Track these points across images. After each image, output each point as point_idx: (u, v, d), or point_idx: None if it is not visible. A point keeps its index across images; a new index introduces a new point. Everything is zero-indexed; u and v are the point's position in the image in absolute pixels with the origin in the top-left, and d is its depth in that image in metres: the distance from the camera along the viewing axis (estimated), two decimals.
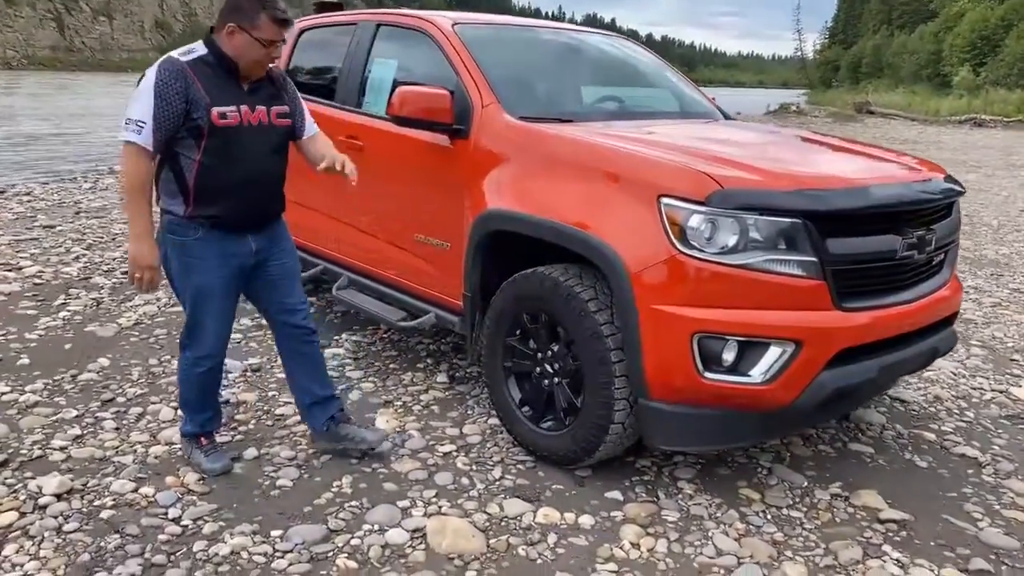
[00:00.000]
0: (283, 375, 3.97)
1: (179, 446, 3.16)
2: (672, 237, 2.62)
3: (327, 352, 4.35)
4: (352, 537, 2.63)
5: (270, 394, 3.79)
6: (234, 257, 2.80)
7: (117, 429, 3.37)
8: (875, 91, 53.06)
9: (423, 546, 2.59)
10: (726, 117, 4.27)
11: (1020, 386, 4.09)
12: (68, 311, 4.94)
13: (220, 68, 2.64)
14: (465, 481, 3.02)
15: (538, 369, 3.14)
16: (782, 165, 2.93)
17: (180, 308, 5.06)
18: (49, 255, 6.42)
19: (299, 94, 3.01)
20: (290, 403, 3.65)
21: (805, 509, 2.88)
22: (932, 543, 2.69)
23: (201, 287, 2.79)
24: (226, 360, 3.45)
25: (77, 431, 3.32)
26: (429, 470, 3.09)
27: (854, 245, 2.69)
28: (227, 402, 3.64)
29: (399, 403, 3.73)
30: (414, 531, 2.67)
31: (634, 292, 2.66)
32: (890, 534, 2.74)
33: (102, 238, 7.19)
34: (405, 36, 4.02)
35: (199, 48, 2.66)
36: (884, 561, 2.57)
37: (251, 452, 3.19)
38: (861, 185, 2.79)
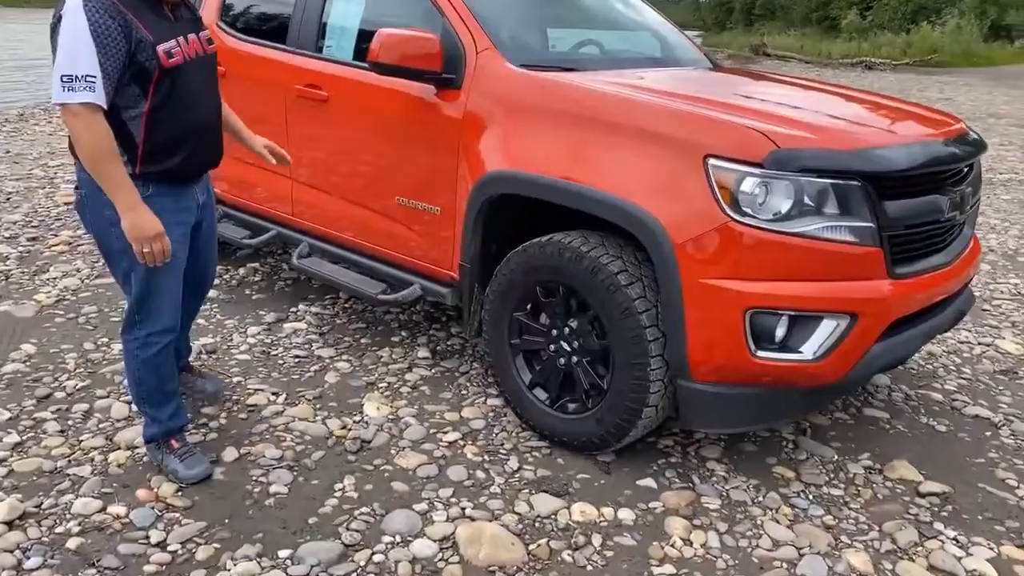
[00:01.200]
0: (243, 356, 3.58)
1: (144, 451, 2.74)
2: (722, 202, 2.36)
3: (286, 327, 3.94)
4: (373, 552, 2.31)
5: (234, 379, 3.36)
6: (187, 211, 2.49)
7: (63, 432, 2.90)
8: (768, 34, 54.24)
9: (456, 558, 2.30)
10: (713, 64, 4.01)
11: (1003, 338, 4.10)
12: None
13: None
14: (481, 475, 2.73)
15: (552, 347, 2.86)
16: (833, 122, 2.69)
17: (104, 280, 4.59)
18: None
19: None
20: (262, 390, 3.26)
21: (843, 486, 2.74)
22: (979, 516, 2.60)
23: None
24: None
25: (15, 438, 2.83)
26: (438, 464, 2.79)
27: (909, 207, 2.50)
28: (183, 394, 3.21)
29: (383, 384, 3.38)
30: (442, 540, 2.37)
31: (679, 265, 2.40)
32: (935, 509, 2.63)
33: None
34: None
35: None
36: (942, 541, 2.45)
37: (231, 453, 2.80)
38: (915, 142, 2.60)
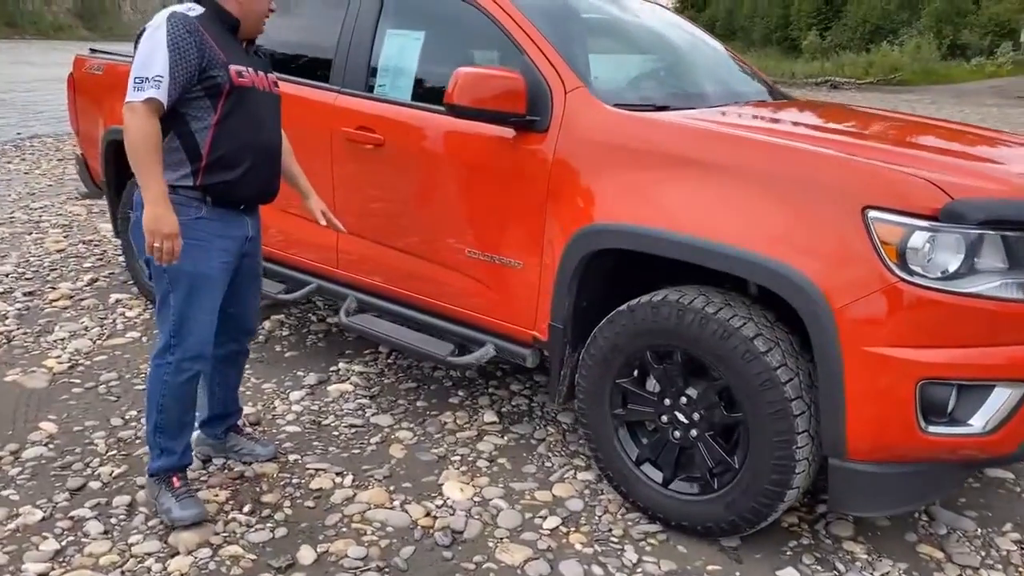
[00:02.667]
0: (293, 428, 3.22)
1: (206, 558, 2.37)
2: (887, 260, 2.08)
3: (332, 390, 3.59)
4: None
5: (291, 458, 3.00)
6: (234, 241, 2.55)
7: (107, 534, 2.51)
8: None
9: None
10: (783, 95, 3.77)
11: None
12: None
13: (223, 28, 2.44)
14: (599, 572, 2.41)
15: (664, 418, 2.56)
16: (992, 167, 2.45)
17: (118, 340, 4.17)
18: None
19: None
20: (323, 470, 2.91)
21: (1000, 566, 2.47)
22: None
23: (198, 273, 2.46)
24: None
25: (53, 544, 2.44)
26: (546, 559, 2.45)
27: None
28: (242, 476, 2.85)
29: (456, 458, 3.04)
30: None
31: (838, 331, 2.11)
32: None
33: None
34: (430, 2, 3.24)
35: (196, 7, 2.42)
36: None
37: (307, 553, 2.44)
38: None
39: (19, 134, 13.56)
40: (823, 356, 2.15)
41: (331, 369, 3.83)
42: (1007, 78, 33.45)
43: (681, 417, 2.51)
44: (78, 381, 3.62)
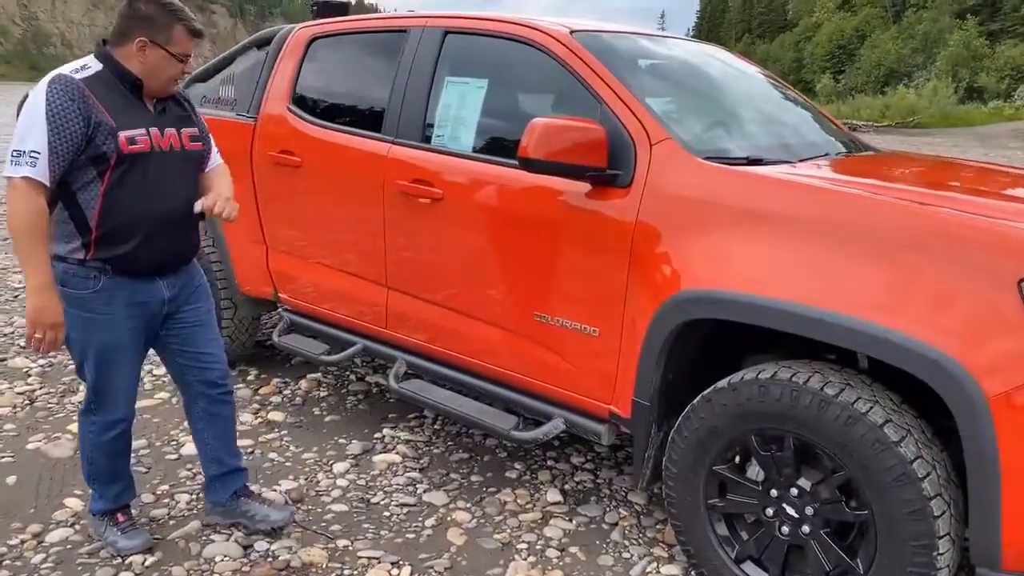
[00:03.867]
0: (339, 507, 2.94)
1: None
2: None
3: (378, 460, 3.31)
4: None
5: (340, 544, 2.71)
6: (144, 307, 2.42)
7: None
8: None
9: None
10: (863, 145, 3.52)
11: None
12: None
13: (121, 87, 2.29)
14: None
15: (770, 511, 2.26)
16: None
17: (147, 402, 3.90)
18: None
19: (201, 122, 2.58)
20: (377, 559, 2.63)
21: None
22: None
23: (107, 345, 2.37)
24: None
25: None
26: None
27: None
28: (288, 565, 2.56)
29: (522, 546, 2.75)
30: None
31: (994, 423, 1.83)
32: None
33: (1, 294, 5.72)
34: (494, 48, 3.03)
35: (93, 64, 2.28)
36: None
37: None
38: None
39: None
40: (974, 449, 1.87)
41: (375, 436, 3.55)
42: None
43: (791, 511, 2.22)
44: None
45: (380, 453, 3.39)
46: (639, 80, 2.73)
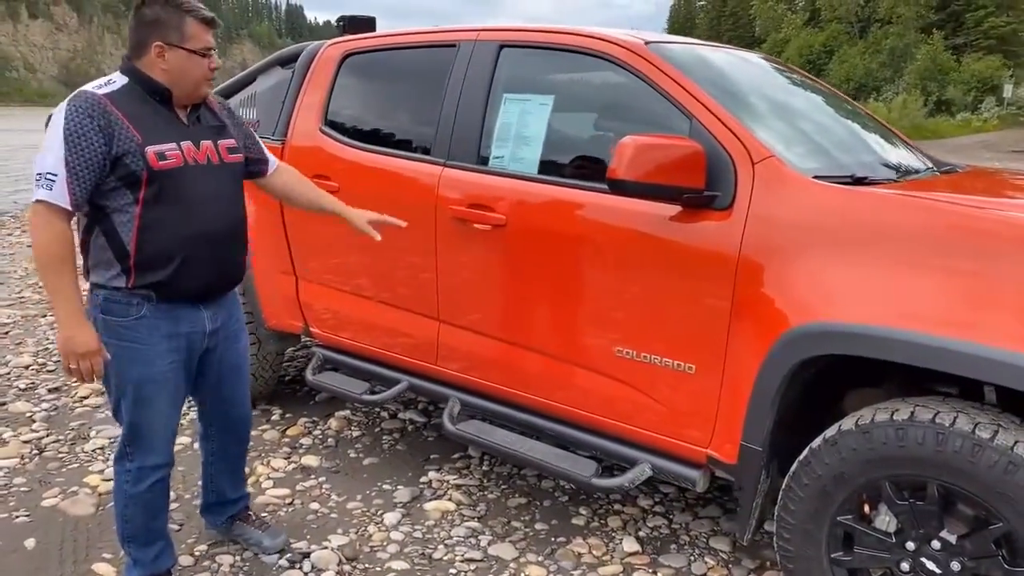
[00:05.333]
0: (400, 564, 2.67)
1: None
2: None
3: (430, 509, 3.05)
4: None
5: None
6: (185, 338, 2.28)
7: None
8: None
9: None
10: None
11: None
12: None
13: (150, 99, 2.15)
14: None
15: (905, 566, 2.04)
16: None
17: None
18: None
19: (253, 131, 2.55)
20: None
21: None
22: None
23: (145, 379, 2.22)
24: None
25: None
26: None
27: None
28: None
29: None
30: None
31: None
32: None
33: None
34: (558, 62, 2.82)
35: (118, 78, 2.15)
36: None
37: None
38: None
39: (16, 203, 13.08)
40: None
41: (421, 481, 3.29)
42: (994, 132, 33.96)
43: (933, 567, 2.00)
44: None
45: (431, 500, 3.12)
46: (726, 94, 2.53)
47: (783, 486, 2.21)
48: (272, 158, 2.61)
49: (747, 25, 73.16)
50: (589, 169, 2.63)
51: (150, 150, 2.09)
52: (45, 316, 5.78)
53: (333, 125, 3.38)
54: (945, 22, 48.55)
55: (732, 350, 2.28)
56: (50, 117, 2.10)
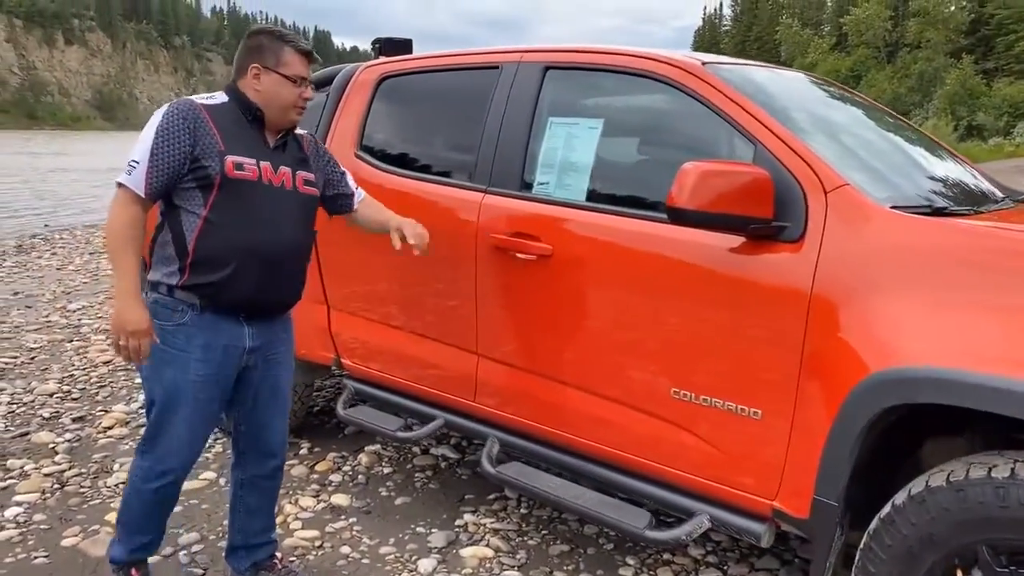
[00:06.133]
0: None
1: None
2: None
3: (467, 555, 2.87)
4: None
5: None
6: (222, 351, 2.29)
7: None
8: None
9: None
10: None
11: None
12: (17, 508, 3.17)
13: (243, 117, 2.28)
14: None
15: None
16: None
17: (194, 484, 3.30)
18: None
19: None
20: None
21: None
22: None
23: (174, 384, 2.27)
24: None
25: None
26: None
27: None
28: None
29: None
30: None
31: None
32: None
33: (15, 357, 5.29)
34: (608, 84, 2.67)
35: (220, 96, 2.30)
36: None
37: None
38: None
39: (47, 225, 13.18)
40: None
41: (457, 524, 3.11)
42: None
43: None
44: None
45: (468, 546, 2.95)
46: (789, 117, 2.36)
47: (862, 545, 2.00)
48: (360, 192, 2.67)
49: (772, 49, 73.02)
50: (642, 196, 2.48)
51: (229, 159, 2.20)
52: (72, 341, 5.71)
53: (368, 150, 3.26)
54: (975, 46, 48.14)
55: (804, 395, 2.09)
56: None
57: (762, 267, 2.15)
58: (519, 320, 2.72)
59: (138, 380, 4.78)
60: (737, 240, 2.19)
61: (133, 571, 2.46)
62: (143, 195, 2.15)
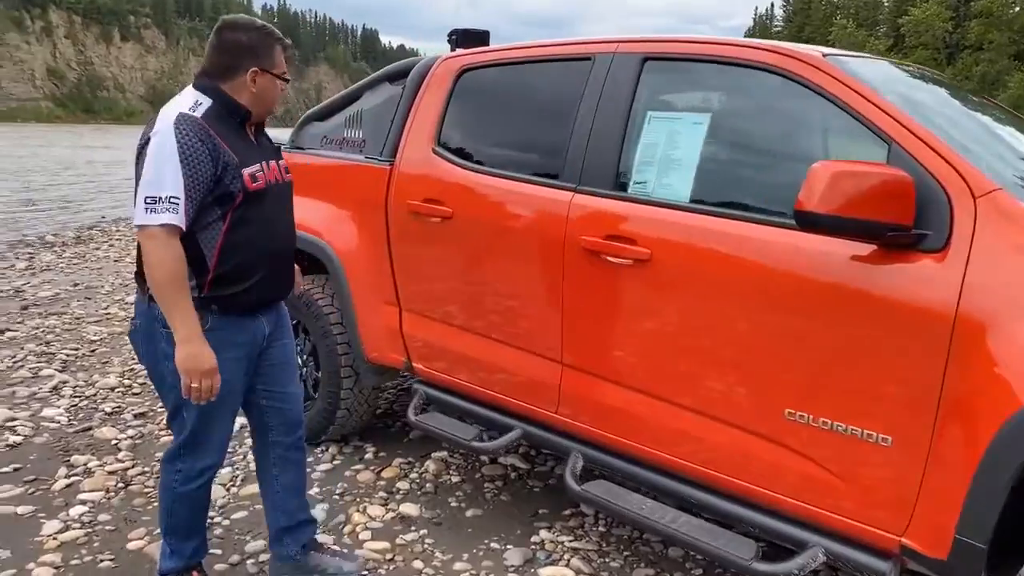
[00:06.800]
0: None
1: None
2: None
3: (548, 574, 2.71)
4: None
5: None
6: (247, 346, 2.33)
7: None
8: None
9: None
10: None
11: None
12: (82, 506, 3.10)
13: (231, 120, 2.21)
14: None
15: None
16: None
17: (255, 487, 3.26)
18: (12, 383, 4.49)
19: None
20: None
21: None
22: None
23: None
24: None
25: None
26: None
27: None
28: None
29: None
30: None
31: None
32: None
33: (76, 348, 5.27)
34: (716, 77, 2.48)
35: (202, 99, 2.17)
36: None
37: None
38: None
39: (104, 217, 13.36)
40: None
41: (533, 541, 2.95)
42: None
43: None
44: (219, 552, 2.81)
45: (546, 565, 2.78)
46: (926, 114, 2.15)
47: None
48: None
49: None
50: (755, 199, 2.28)
51: (246, 172, 2.18)
52: None
53: (447, 146, 3.11)
54: None
55: (944, 422, 1.88)
56: (147, 140, 2.11)
57: (897, 279, 1.95)
58: (612, 329, 2.54)
59: None
60: (867, 248, 1.99)
61: (195, 573, 2.45)
62: (184, 229, 2.08)
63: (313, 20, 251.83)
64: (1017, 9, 45.59)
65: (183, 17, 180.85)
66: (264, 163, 2.27)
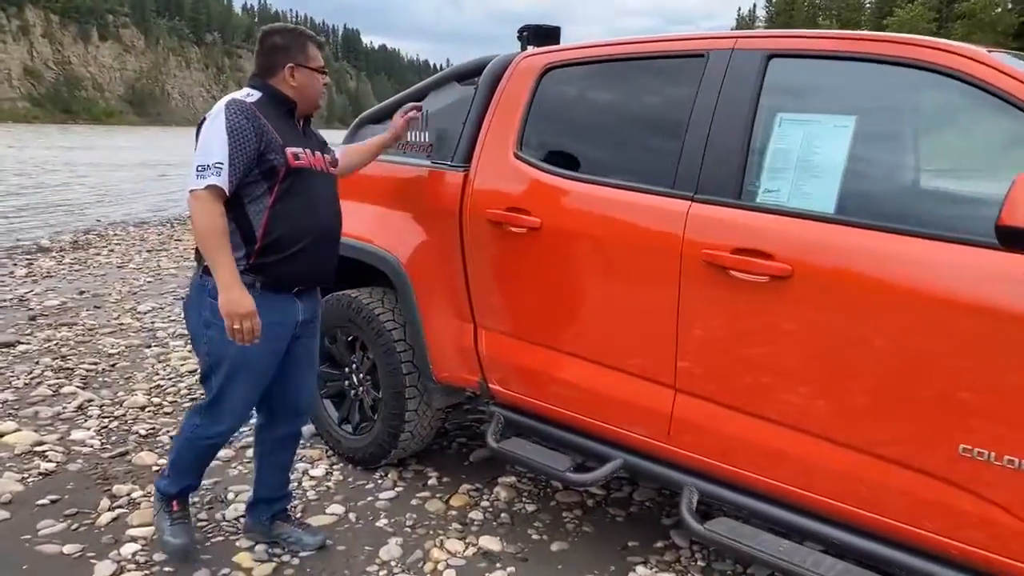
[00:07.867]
0: None
1: None
2: None
3: None
4: None
5: None
6: (281, 326, 2.51)
7: None
8: None
9: None
10: None
11: None
12: (134, 544, 2.83)
13: (280, 111, 2.49)
14: None
15: None
16: None
17: (319, 519, 2.98)
18: (33, 402, 4.19)
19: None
20: None
21: None
22: None
23: (242, 358, 2.45)
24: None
25: None
26: None
27: None
28: None
29: None
30: None
31: None
32: None
33: (96, 363, 4.97)
34: (860, 75, 2.25)
35: (254, 92, 2.47)
36: None
37: None
38: None
39: (99, 221, 12.99)
40: None
41: None
42: None
43: None
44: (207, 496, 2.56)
45: None
46: None
47: None
48: (338, 147, 2.99)
49: None
50: (920, 211, 2.07)
51: (289, 150, 2.43)
52: (150, 347, 5.39)
53: (532, 151, 2.87)
54: None
55: None
56: (202, 121, 2.41)
57: None
58: (740, 353, 2.32)
59: None
60: None
61: (175, 503, 2.72)
62: (228, 192, 2.32)
63: (294, 20, 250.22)
64: (1000, 10, 45.96)
65: (162, 16, 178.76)
66: (308, 150, 2.51)
